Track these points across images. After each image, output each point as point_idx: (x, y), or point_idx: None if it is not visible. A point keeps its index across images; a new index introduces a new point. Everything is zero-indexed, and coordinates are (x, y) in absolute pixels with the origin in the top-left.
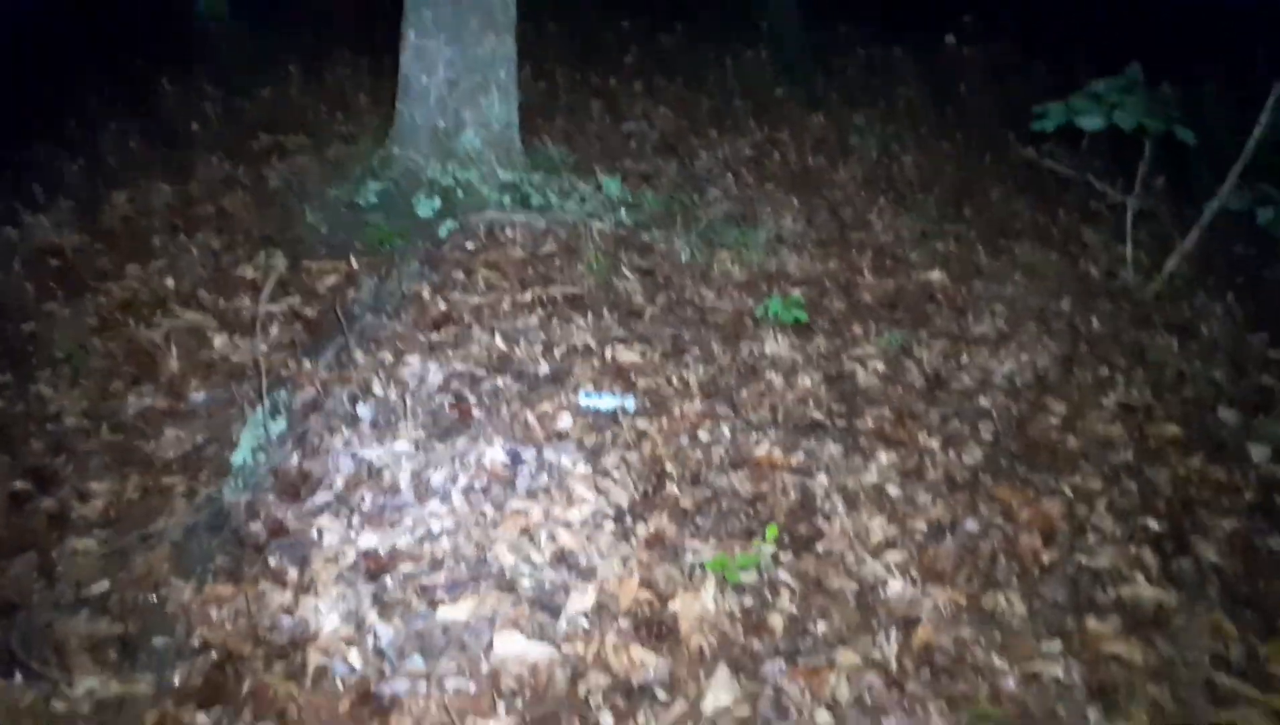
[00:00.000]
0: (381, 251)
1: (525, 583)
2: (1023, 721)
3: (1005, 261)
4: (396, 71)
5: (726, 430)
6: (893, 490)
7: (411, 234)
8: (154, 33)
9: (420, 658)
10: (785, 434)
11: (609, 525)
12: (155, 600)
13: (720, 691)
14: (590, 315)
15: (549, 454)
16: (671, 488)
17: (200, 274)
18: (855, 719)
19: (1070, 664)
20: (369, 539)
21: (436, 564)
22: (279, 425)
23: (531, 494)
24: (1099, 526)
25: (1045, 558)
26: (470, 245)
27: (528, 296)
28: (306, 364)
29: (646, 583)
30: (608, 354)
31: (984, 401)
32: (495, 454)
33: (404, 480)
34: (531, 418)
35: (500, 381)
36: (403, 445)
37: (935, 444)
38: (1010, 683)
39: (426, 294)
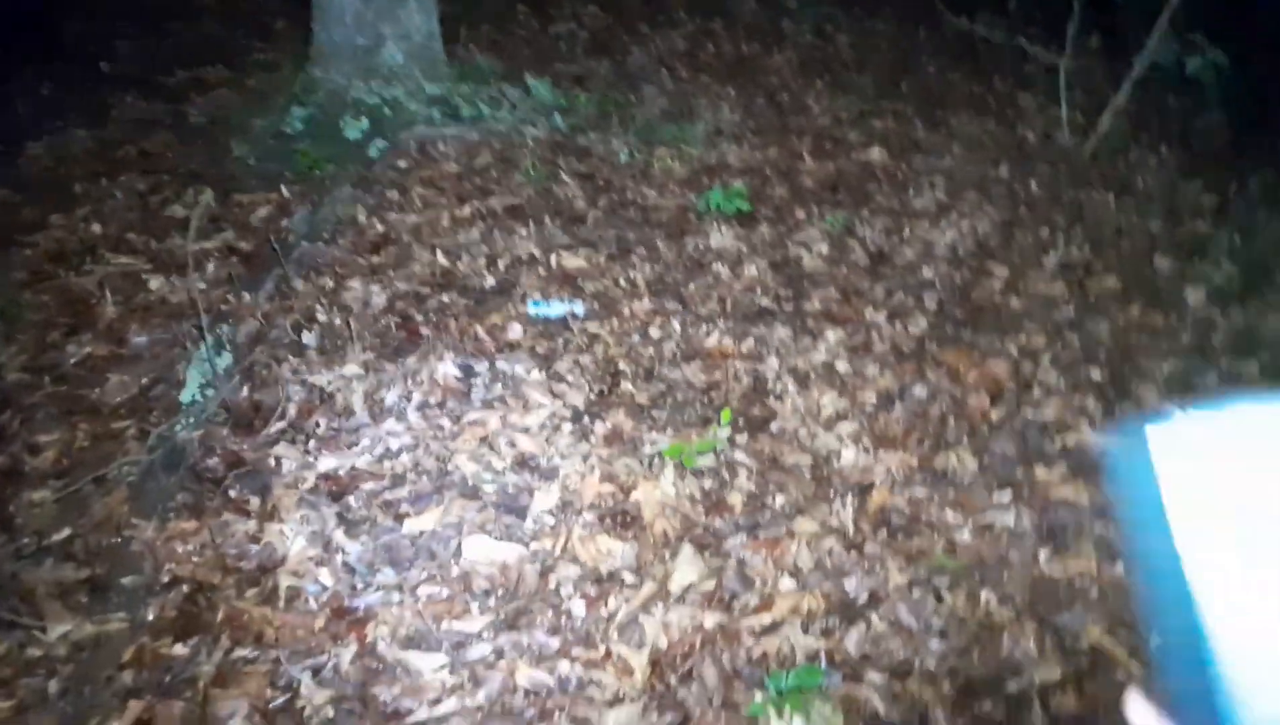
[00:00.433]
0: (313, 178)
1: (489, 488)
2: (977, 569)
3: (943, 134)
4: None
5: (677, 325)
6: (841, 366)
7: (342, 158)
8: None
9: (391, 569)
10: (735, 323)
11: (567, 427)
12: (119, 542)
13: (686, 569)
14: (532, 224)
15: (502, 364)
16: (626, 385)
17: (128, 217)
18: (817, 582)
19: (1021, 512)
20: (328, 462)
21: (398, 479)
22: (225, 360)
23: (487, 404)
24: (1044, 381)
25: (993, 415)
26: (403, 164)
27: (466, 211)
28: (246, 297)
29: (608, 476)
30: (553, 261)
31: (927, 272)
32: (447, 369)
33: (357, 402)
34: (481, 331)
35: (446, 297)
36: (352, 368)
37: (881, 318)
38: (964, 535)
39: (362, 217)
